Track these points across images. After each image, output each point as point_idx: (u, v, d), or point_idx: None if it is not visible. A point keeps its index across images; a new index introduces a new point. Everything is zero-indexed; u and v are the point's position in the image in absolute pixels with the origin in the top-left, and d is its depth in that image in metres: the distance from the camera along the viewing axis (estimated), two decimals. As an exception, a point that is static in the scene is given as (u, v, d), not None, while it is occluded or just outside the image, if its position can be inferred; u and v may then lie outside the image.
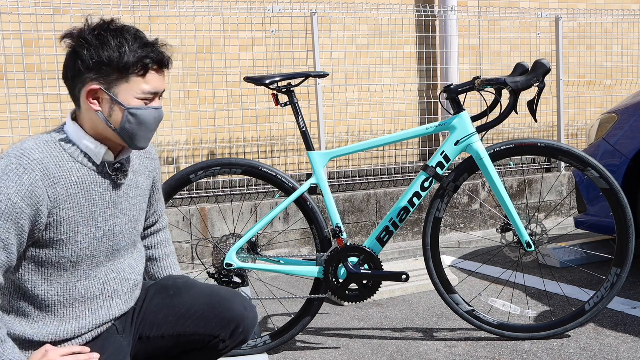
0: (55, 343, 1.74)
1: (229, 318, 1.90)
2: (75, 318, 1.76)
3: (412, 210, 2.79)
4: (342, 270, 2.77)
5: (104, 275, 1.81)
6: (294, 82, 2.78)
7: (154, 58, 1.72)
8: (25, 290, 1.71)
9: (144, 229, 2.12)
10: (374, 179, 5.04)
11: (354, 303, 3.05)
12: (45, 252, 1.69)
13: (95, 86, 1.70)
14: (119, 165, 1.80)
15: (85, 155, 1.74)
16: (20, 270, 1.69)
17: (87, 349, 1.74)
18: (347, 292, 2.78)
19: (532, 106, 2.72)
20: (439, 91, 5.36)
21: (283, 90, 2.77)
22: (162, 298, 1.94)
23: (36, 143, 1.69)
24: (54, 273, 1.71)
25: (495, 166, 2.76)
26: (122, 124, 1.72)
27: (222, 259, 2.74)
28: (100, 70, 1.69)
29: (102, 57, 1.68)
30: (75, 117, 1.77)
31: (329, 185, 4.46)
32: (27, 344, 1.72)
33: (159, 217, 2.15)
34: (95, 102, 1.72)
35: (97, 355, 1.73)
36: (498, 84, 2.72)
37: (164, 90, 1.81)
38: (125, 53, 1.69)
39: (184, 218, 4.20)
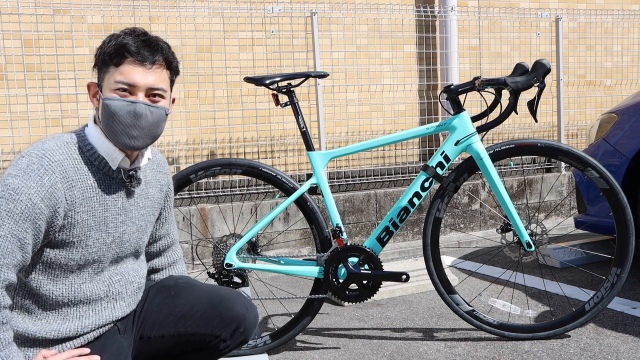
0: (57, 340, 1.74)
1: (230, 318, 1.90)
2: (79, 317, 1.76)
3: (412, 210, 2.79)
4: (342, 270, 2.77)
5: (108, 278, 1.82)
6: (294, 82, 2.78)
7: (130, 46, 1.70)
8: (30, 288, 1.71)
9: (157, 255, 2.11)
10: (374, 179, 5.04)
11: (354, 303, 3.05)
12: (55, 253, 1.70)
13: (94, 82, 1.75)
14: (134, 172, 1.80)
15: (102, 159, 1.74)
16: (28, 269, 1.70)
17: (87, 350, 1.75)
18: (347, 292, 2.78)
19: (532, 106, 2.72)
20: (439, 91, 5.36)
21: (283, 90, 2.77)
22: (163, 298, 1.94)
23: (57, 144, 1.69)
24: (60, 274, 1.72)
25: (495, 166, 2.76)
26: (101, 116, 1.72)
27: (222, 259, 2.74)
28: (98, 68, 1.74)
29: (99, 55, 1.73)
30: (96, 122, 1.77)
31: (329, 185, 4.46)
32: (30, 341, 1.72)
33: (172, 242, 2.13)
34: (95, 99, 1.76)
35: (97, 358, 1.73)
36: (498, 84, 2.72)
37: (158, 88, 1.74)
38: (107, 45, 1.72)
39: (184, 218, 4.20)
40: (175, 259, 2.15)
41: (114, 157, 1.74)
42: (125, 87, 1.70)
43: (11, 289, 1.70)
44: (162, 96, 1.76)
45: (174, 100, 1.89)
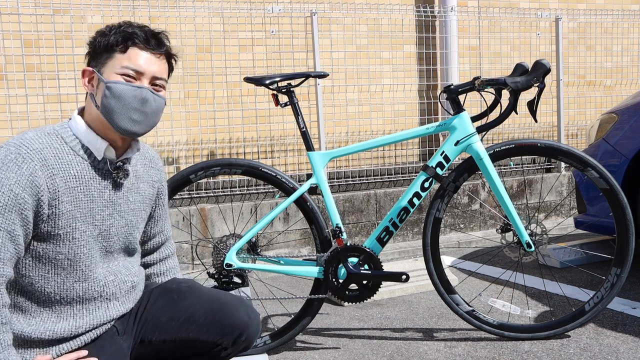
0: (53, 341, 1.73)
1: (231, 325, 1.89)
2: (73, 316, 1.75)
3: (412, 210, 2.79)
4: (342, 271, 2.77)
5: (103, 278, 1.80)
6: (293, 82, 2.78)
7: (138, 35, 1.76)
8: (23, 285, 1.71)
9: (150, 252, 2.11)
10: (374, 179, 5.04)
11: (354, 303, 3.04)
12: (43, 247, 1.69)
13: (89, 68, 1.77)
14: (121, 163, 1.79)
15: (87, 149, 1.74)
16: (18, 265, 1.69)
17: (84, 352, 1.73)
18: (347, 292, 2.78)
19: (532, 106, 2.72)
20: (439, 91, 5.36)
21: (283, 90, 2.77)
22: (165, 301, 1.93)
23: (37, 134, 1.70)
24: (50, 270, 1.71)
25: (495, 166, 2.76)
26: (102, 99, 1.73)
27: (222, 259, 2.73)
28: (95, 55, 1.77)
29: (100, 42, 1.76)
30: (81, 113, 1.79)
31: (329, 185, 4.46)
32: (27, 343, 1.71)
33: (166, 239, 2.13)
34: (89, 84, 1.77)
35: None
36: (498, 84, 2.72)
37: (161, 78, 1.80)
38: (113, 34, 1.76)
39: (184, 218, 4.20)
40: (167, 254, 2.15)
41: (97, 146, 1.75)
42: (132, 73, 1.74)
43: (8, 287, 1.69)
44: (163, 87, 1.82)
45: None
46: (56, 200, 1.67)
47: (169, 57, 1.85)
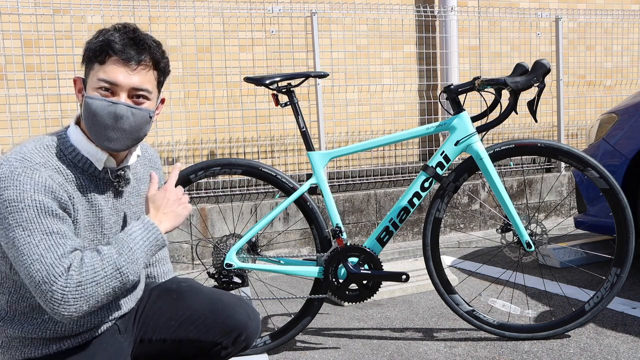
0: (55, 339, 1.73)
1: (231, 325, 1.89)
2: None
3: (412, 210, 2.79)
4: (342, 271, 2.77)
5: None
6: (293, 82, 2.78)
7: (116, 43, 1.64)
8: (25, 291, 1.70)
9: None
10: (374, 179, 5.04)
11: (354, 303, 3.05)
12: None
13: (80, 77, 1.71)
14: (122, 171, 1.77)
15: (87, 160, 1.71)
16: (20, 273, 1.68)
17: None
18: (347, 292, 2.78)
19: (532, 106, 2.72)
20: (439, 91, 5.36)
21: (283, 90, 2.77)
22: (165, 301, 1.92)
23: (36, 147, 1.65)
24: None
25: (495, 166, 2.76)
26: (83, 112, 1.68)
27: (222, 259, 2.73)
28: (84, 62, 1.70)
29: (86, 50, 1.69)
30: (78, 122, 1.74)
31: (329, 185, 4.46)
32: (28, 340, 1.71)
33: None
34: (79, 94, 1.72)
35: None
36: (498, 84, 2.72)
37: (143, 89, 1.68)
38: (94, 41, 1.68)
39: (184, 218, 4.20)
40: (160, 256, 2.13)
41: (98, 157, 1.70)
42: (108, 86, 1.65)
43: (6, 291, 1.68)
44: (146, 97, 1.70)
45: (163, 101, 1.83)
46: (71, 208, 1.65)
47: (156, 64, 1.71)
